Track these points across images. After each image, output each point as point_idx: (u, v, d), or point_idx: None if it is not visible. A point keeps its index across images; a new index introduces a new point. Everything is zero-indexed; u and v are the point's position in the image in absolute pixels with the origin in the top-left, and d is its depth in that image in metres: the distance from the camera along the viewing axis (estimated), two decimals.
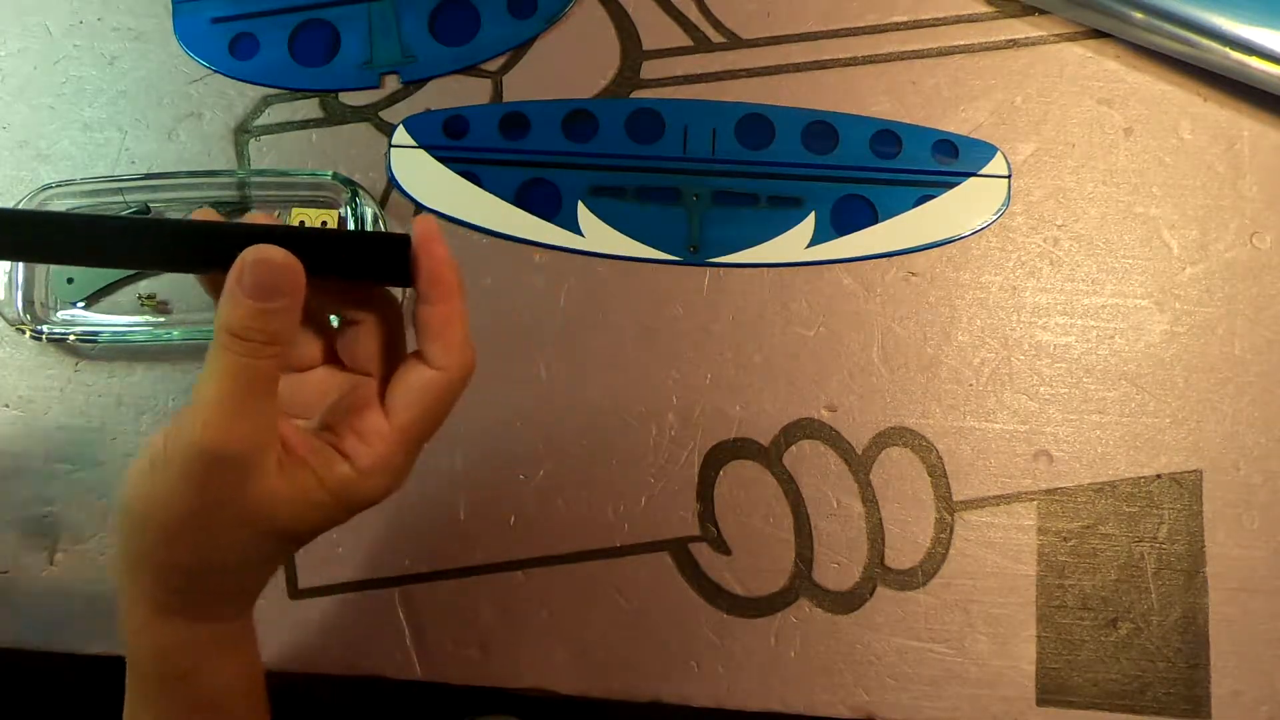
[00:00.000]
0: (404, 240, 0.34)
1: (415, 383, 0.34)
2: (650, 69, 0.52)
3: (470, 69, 0.53)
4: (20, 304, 0.49)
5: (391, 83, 0.53)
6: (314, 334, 0.36)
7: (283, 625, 0.49)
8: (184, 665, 0.35)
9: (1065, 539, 0.49)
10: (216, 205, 0.51)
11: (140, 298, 0.50)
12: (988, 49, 0.53)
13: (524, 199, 0.51)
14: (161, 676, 0.36)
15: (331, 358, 0.36)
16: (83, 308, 0.50)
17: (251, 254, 0.31)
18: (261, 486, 0.32)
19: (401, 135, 0.52)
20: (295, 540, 0.34)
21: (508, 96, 0.52)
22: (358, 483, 0.34)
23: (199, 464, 0.31)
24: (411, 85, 0.53)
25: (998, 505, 0.49)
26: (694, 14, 0.53)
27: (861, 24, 0.53)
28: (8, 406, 0.50)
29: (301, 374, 0.36)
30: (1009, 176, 0.51)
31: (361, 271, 0.34)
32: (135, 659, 0.36)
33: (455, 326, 0.35)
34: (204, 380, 0.31)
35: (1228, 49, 0.49)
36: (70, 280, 0.50)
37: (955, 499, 0.49)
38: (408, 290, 0.35)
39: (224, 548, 0.33)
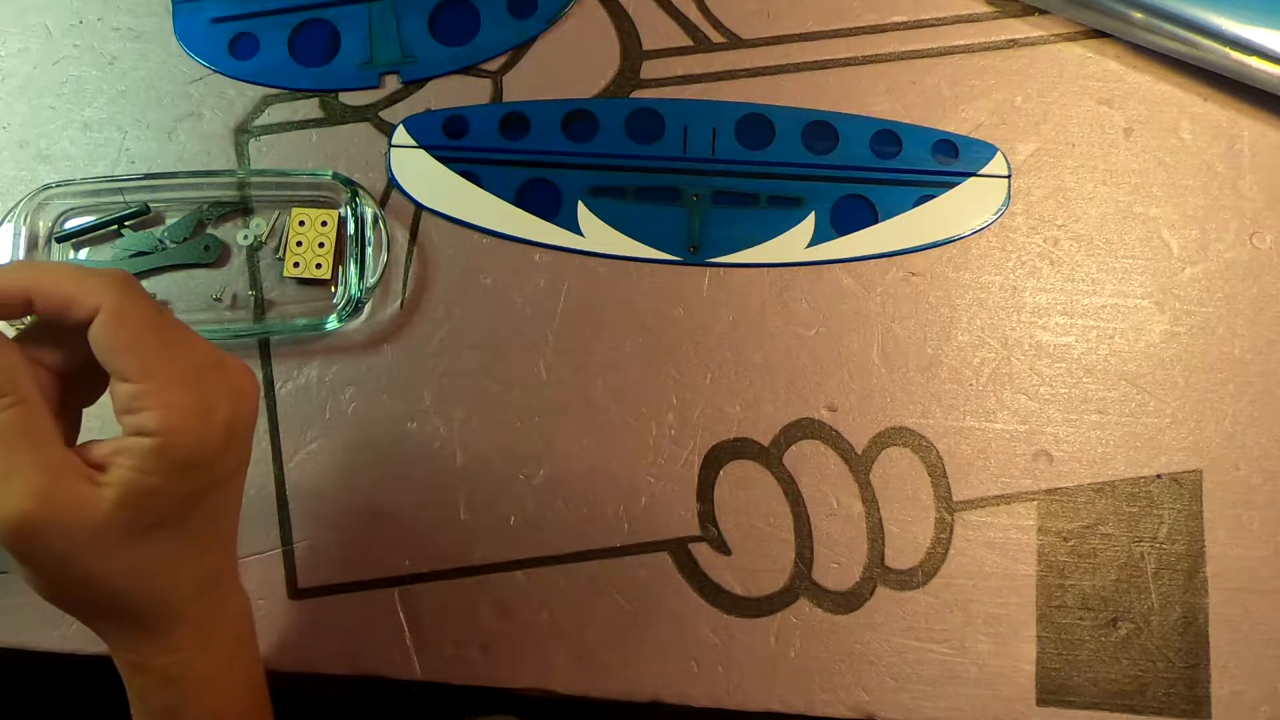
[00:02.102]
0: None
1: (114, 334, 0.34)
2: (650, 69, 0.52)
3: (470, 69, 0.53)
4: None
5: (391, 83, 0.53)
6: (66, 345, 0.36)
7: (282, 625, 0.49)
8: (172, 673, 0.36)
9: (1065, 539, 0.49)
10: (216, 205, 0.51)
11: None
12: (988, 49, 0.53)
13: (524, 199, 0.51)
14: (158, 708, 0.37)
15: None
16: None
17: None
18: (85, 519, 0.32)
19: (401, 135, 0.52)
20: (149, 536, 0.34)
21: (508, 96, 0.52)
22: (167, 444, 0.33)
23: (8, 541, 0.32)
24: (411, 85, 0.53)
25: (998, 505, 0.49)
26: (694, 14, 0.53)
27: (861, 24, 0.53)
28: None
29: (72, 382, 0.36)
30: (1009, 176, 0.51)
31: None
32: (132, 688, 0.37)
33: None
34: None
35: (1228, 49, 0.49)
36: None
37: (955, 499, 0.49)
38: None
39: (87, 587, 0.34)
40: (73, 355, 0.35)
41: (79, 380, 0.36)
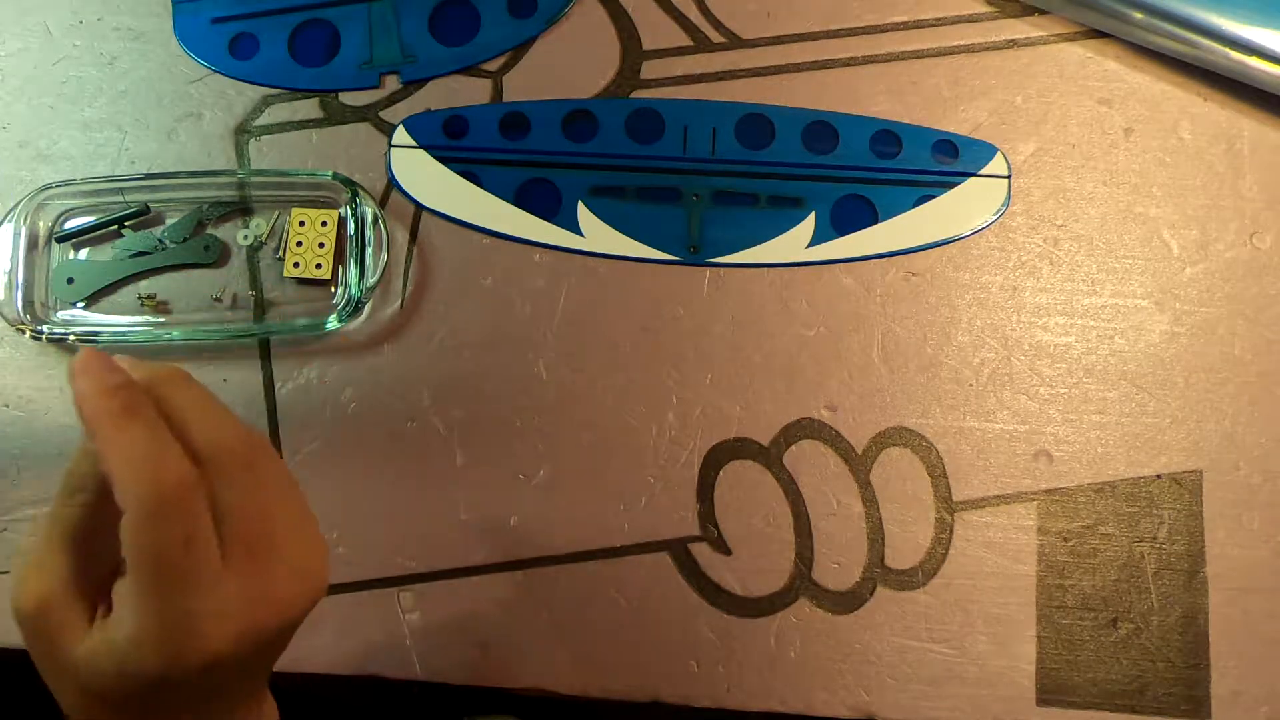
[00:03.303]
0: None
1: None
2: (650, 69, 0.52)
3: (470, 69, 0.53)
4: (20, 304, 0.49)
5: (391, 83, 0.53)
6: None
7: None
8: None
9: (1065, 539, 0.49)
10: (216, 205, 0.51)
11: (140, 298, 0.50)
12: (988, 49, 0.53)
13: (524, 199, 0.51)
14: None
15: None
16: (83, 308, 0.50)
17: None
18: (72, 640, 0.31)
19: (401, 135, 0.52)
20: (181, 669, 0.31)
21: (508, 96, 0.52)
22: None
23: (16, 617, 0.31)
24: (411, 85, 0.53)
25: (998, 505, 0.49)
26: (694, 14, 0.53)
27: (861, 24, 0.53)
28: (8, 406, 0.50)
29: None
30: (1009, 176, 0.51)
31: None
32: None
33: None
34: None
35: (1228, 49, 0.49)
36: (70, 280, 0.50)
37: (955, 499, 0.49)
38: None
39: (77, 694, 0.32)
40: None
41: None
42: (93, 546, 0.32)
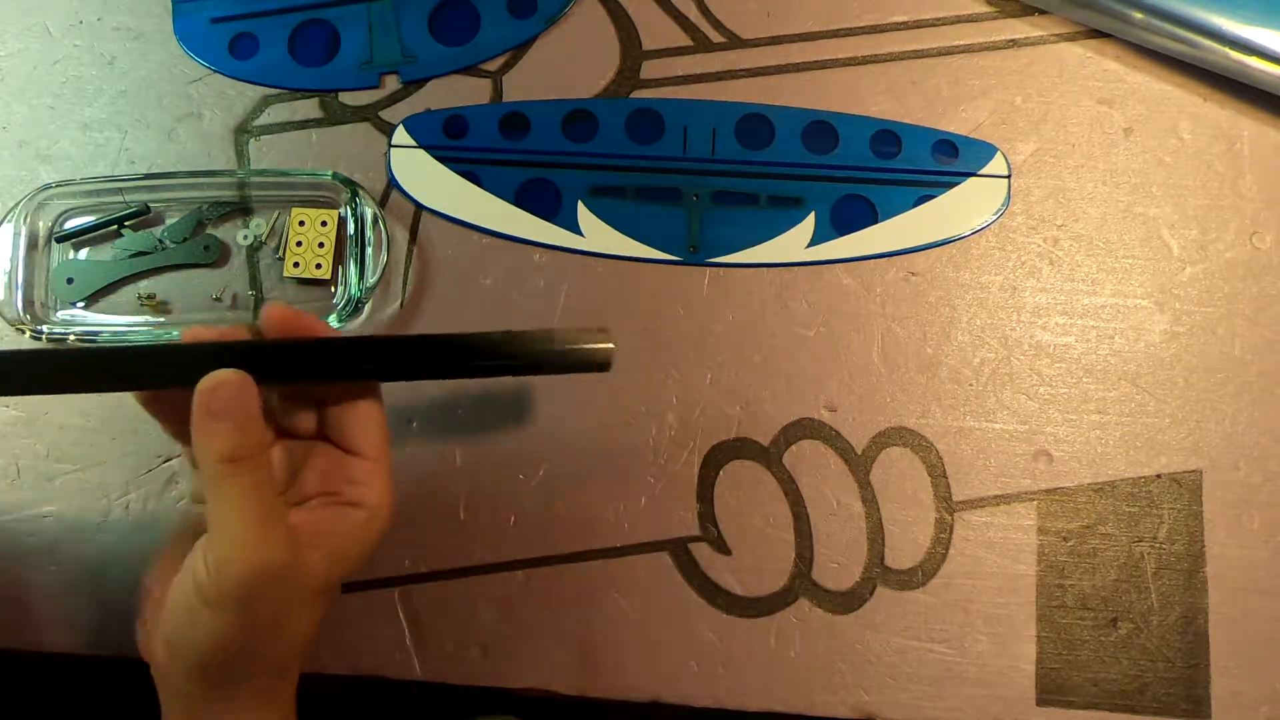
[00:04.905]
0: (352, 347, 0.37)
1: (371, 413, 0.38)
2: (650, 69, 0.52)
3: (470, 69, 0.53)
4: (20, 304, 0.49)
5: (391, 83, 0.53)
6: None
7: None
8: None
9: (1065, 539, 0.49)
10: (216, 205, 0.51)
11: (140, 297, 0.50)
12: (988, 49, 0.53)
13: (524, 199, 0.51)
14: None
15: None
16: (83, 308, 0.50)
17: (207, 383, 0.34)
18: (304, 578, 0.35)
19: (401, 135, 0.52)
20: (330, 601, 0.37)
21: (508, 96, 0.52)
22: (374, 518, 0.37)
23: (255, 587, 0.33)
24: (411, 85, 0.53)
25: (998, 505, 0.49)
26: (694, 14, 0.53)
27: (861, 24, 0.53)
28: (8, 406, 0.50)
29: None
30: (1009, 176, 0.51)
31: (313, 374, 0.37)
32: None
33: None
34: (224, 511, 0.34)
35: (1228, 49, 0.49)
36: (70, 280, 0.50)
37: (955, 499, 0.49)
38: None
39: (277, 645, 0.35)
40: (300, 420, 0.39)
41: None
42: (273, 489, 0.36)
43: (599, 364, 0.39)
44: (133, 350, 0.37)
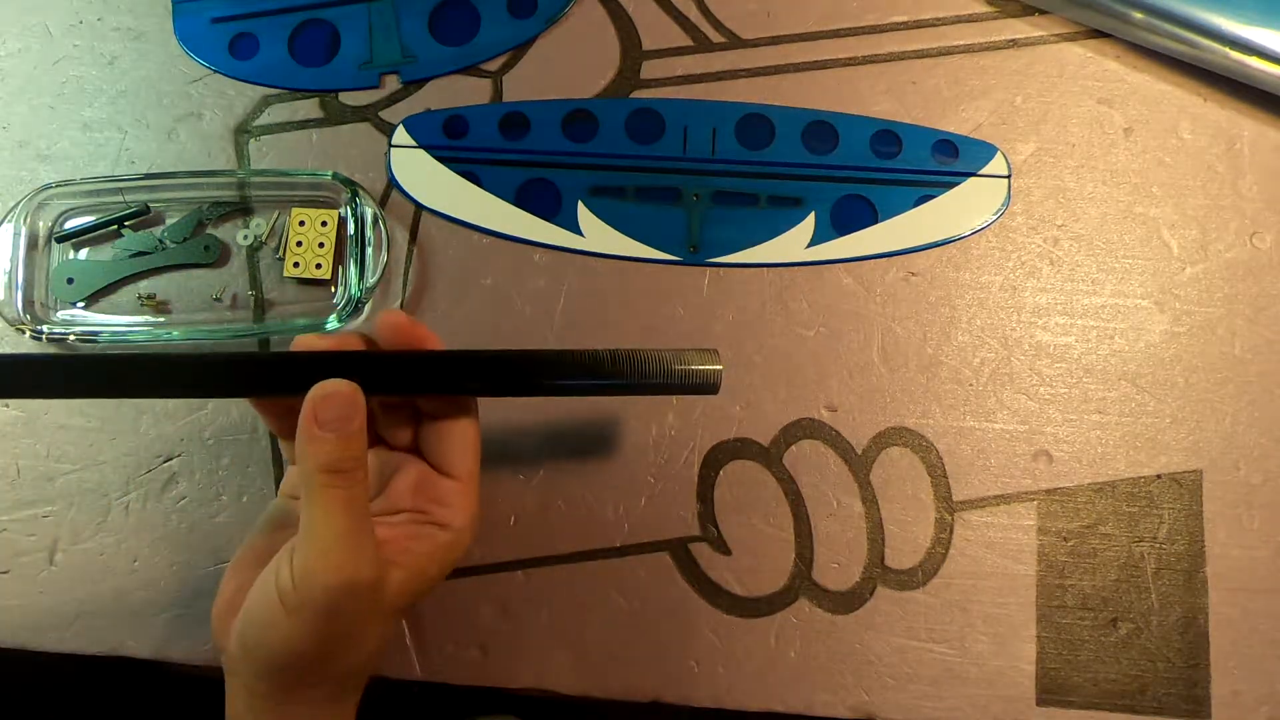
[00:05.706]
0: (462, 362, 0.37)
1: (468, 433, 0.39)
2: (650, 69, 0.52)
3: (470, 69, 0.53)
4: (20, 304, 0.49)
5: (391, 83, 0.53)
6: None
7: None
8: None
9: (1065, 539, 0.49)
10: (216, 205, 0.51)
11: (140, 298, 0.50)
12: (988, 49, 0.53)
13: (524, 199, 0.51)
14: None
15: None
16: (83, 308, 0.50)
17: (318, 391, 0.35)
18: (384, 594, 0.35)
19: (401, 135, 0.52)
20: (403, 617, 0.38)
21: (508, 96, 0.52)
22: (457, 541, 0.38)
23: (337, 600, 0.33)
24: (411, 85, 0.53)
25: (998, 505, 0.49)
26: (694, 14, 0.53)
27: (861, 24, 0.53)
28: (8, 406, 0.50)
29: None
30: (1009, 176, 0.51)
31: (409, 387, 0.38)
32: None
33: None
34: (317, 520, 0.34)
35: (1228, 49, 0.49)
36: (70, 280, 0.50)
37: (955, 499, 0.49)
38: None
39: (349, 656, 0.36)
40: (397, 432, 0.40)
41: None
42: (370, 513, 0.37)
43: (709, 387, 0.38)
44: (253, 359, 0.38)
